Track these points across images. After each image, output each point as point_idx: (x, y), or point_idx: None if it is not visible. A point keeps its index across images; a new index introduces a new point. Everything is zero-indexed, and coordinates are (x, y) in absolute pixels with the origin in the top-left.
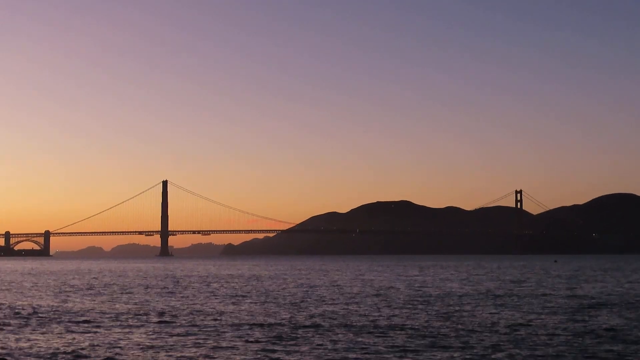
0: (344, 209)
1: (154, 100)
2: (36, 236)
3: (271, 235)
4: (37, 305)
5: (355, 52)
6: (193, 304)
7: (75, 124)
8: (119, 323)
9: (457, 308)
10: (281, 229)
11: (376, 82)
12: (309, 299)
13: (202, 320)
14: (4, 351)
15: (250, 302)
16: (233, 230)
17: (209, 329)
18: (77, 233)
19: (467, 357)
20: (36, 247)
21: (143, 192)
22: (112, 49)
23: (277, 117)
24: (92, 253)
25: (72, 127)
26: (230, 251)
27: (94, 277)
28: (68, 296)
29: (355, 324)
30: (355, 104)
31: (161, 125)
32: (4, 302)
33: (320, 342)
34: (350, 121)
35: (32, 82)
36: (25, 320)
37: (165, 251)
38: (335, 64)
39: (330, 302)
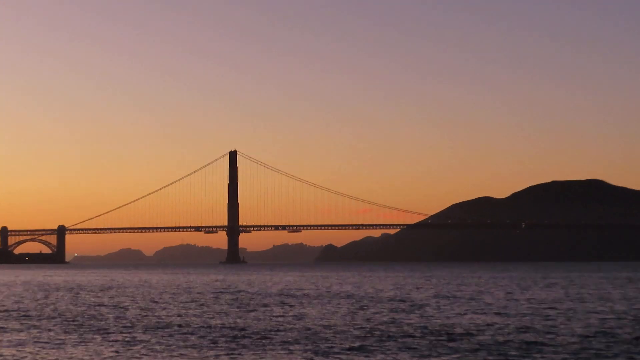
0: (501, 192)
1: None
2: (45, 234)
3: (392, 231)
4: None
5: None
6: None
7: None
8: None
9: None
10: (407, 222)
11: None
12: None
13: None
14: None
15: None
16: (335, 225)
17: None
18: (104, 230)
19: None
20: (46, 250)
21: (200, 168)
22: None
23: (393, 61)
24: (128, 258)
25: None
26: (331, 255)
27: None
28: None
29: None
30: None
31: (229, 82)
32: None
33: None
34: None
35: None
36: None
37: (234, 256)
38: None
39: None
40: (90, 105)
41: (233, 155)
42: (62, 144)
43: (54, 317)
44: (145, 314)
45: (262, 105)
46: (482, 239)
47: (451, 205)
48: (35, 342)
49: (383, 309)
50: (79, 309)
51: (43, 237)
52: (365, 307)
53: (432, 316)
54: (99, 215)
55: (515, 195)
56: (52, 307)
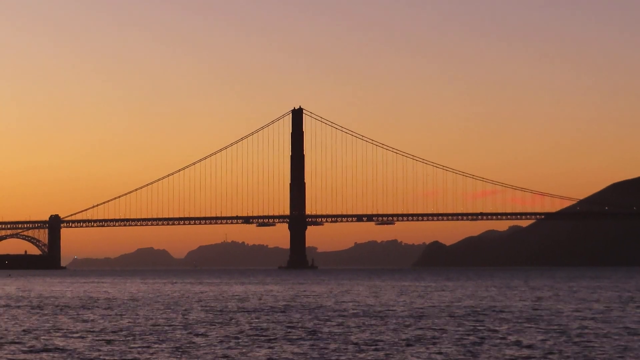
0: None
1: None
2: (32, 227)
3: (524, 223)
4: None
5: None
6: None
7: None
8: None
9: None
10: (546, 210)
11: None
12: None
13: None
14: None
15: None
16: (442, 215)
17: None
18: (114, 222)
19: None
20: (33, 250)
21: (249, 134)
22: None
23: None
24: (148, 261)
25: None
26: (437, 257)
27: None
28: None
29: None
30: None
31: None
32: None
33: None
34: None
35: None
36: None
37: (299, 258)
38: None
39: None
40: (99, 55)
41: (297, 114)
42: (61, 111)
43: None
44: None
45: (337, 52)
46: None
47: (609, 186)
48: None
49: None
50: None
51: (29, 232)
52: None
53: None
54: (107, 202)
55: None
56: None
